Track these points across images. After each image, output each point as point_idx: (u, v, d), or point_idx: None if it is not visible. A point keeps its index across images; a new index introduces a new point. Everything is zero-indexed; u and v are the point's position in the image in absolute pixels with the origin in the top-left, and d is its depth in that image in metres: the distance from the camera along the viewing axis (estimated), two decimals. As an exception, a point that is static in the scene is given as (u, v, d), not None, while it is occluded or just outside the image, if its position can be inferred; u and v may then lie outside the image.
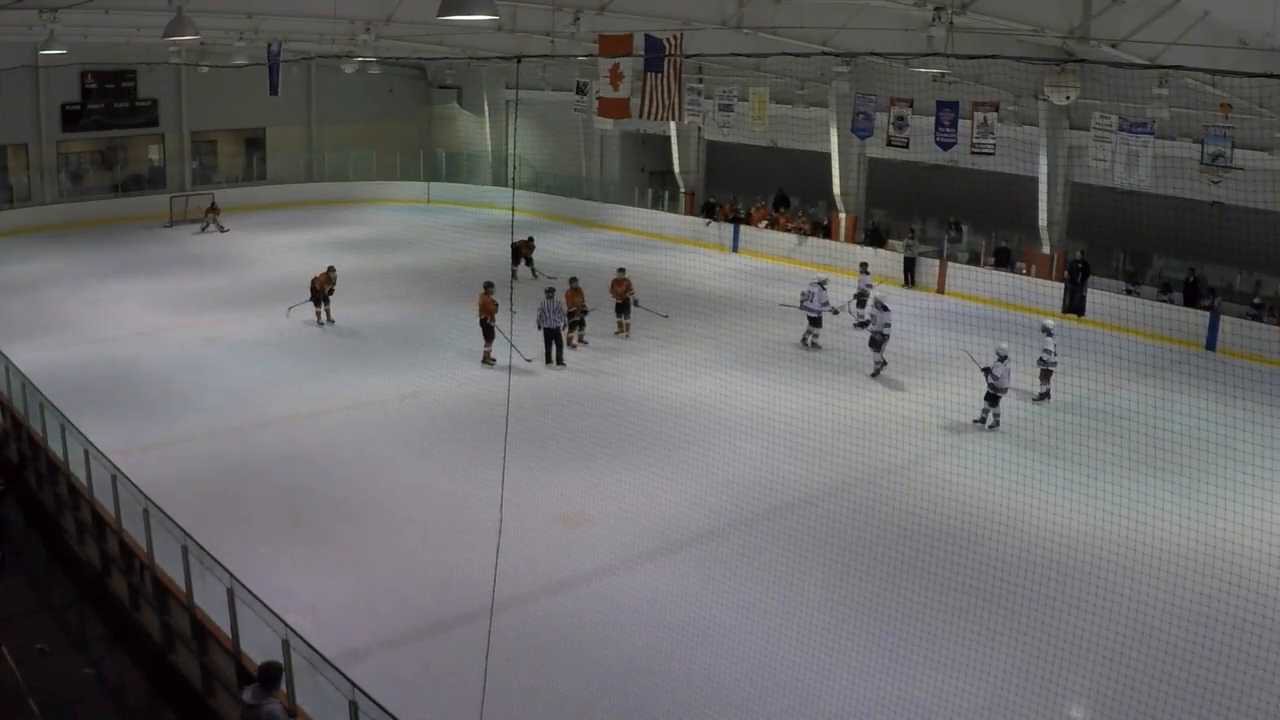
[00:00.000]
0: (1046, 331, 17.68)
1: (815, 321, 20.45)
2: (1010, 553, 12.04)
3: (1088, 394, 17.38)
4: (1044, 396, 17.68)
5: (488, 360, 18.91)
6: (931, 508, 13.52)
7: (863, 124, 25.09)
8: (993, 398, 16.28)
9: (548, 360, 19.03)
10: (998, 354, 16.26)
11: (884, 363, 19.07)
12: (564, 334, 19.51)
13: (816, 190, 29.98)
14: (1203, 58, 15.03)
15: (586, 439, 15.67)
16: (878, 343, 19.05)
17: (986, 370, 16.25)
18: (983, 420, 16.42)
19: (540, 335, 18.96)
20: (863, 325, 20.93)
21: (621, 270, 21.20)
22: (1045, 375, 17.65)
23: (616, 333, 20.81)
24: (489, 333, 18.85)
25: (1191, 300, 22.29)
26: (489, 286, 18.79)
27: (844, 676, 9.62)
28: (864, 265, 23.44)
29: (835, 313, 20.77)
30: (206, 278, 26.17)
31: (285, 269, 26.16)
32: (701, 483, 13.83)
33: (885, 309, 19.06)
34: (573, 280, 20.63)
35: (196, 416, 16.45)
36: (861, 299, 22.07)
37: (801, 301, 20.62)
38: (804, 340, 20.44)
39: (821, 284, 20.67)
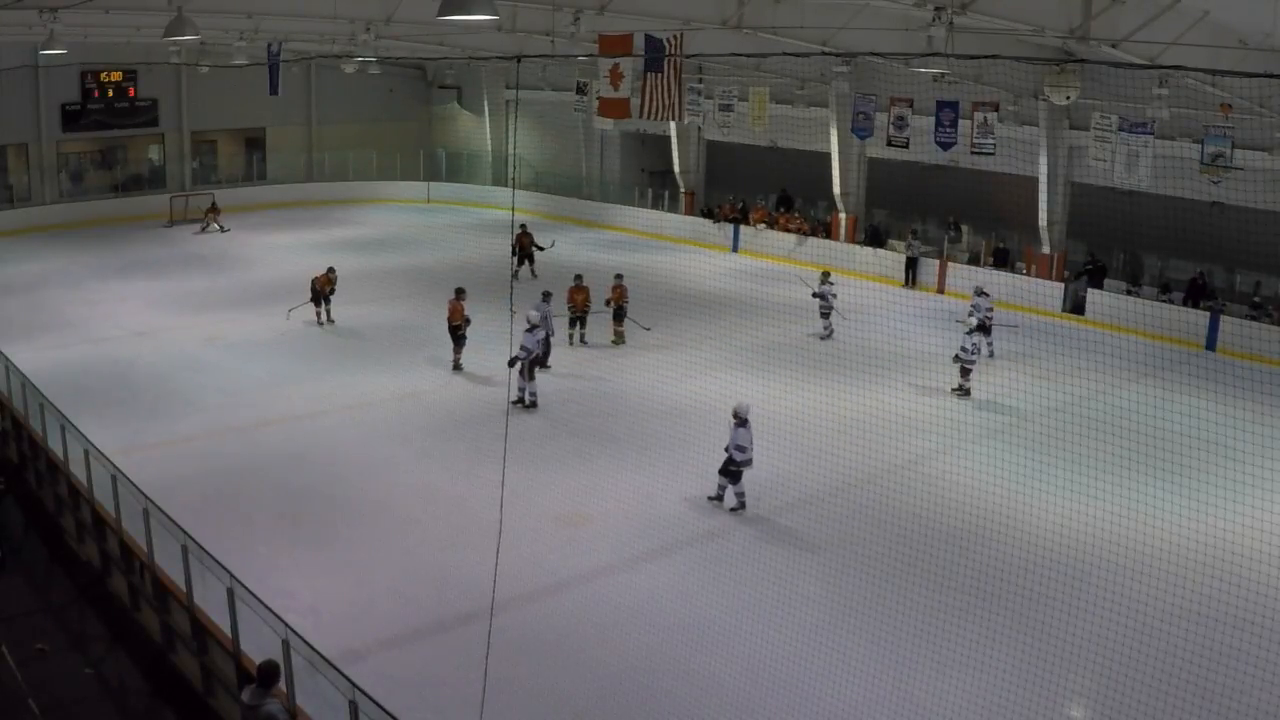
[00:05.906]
0: (969, 329, 17.97)
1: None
2: (1010, 553, 12.03)
3: (1088, 394, 17.38)
4: (962, 391, 17.86)
5: (458, 367, 18.67)
6: (931, 508, 13.53)
7: (863, 124, 25.08)
8: (732, 474, 13.13)
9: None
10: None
11: (530, 401, 16.62)
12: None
13: (817, 190, 29.96)
14: (1203, 58, 15.02)
15: (586, 439, 15.68)
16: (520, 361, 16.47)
17: (727, 449, 13.14)
18: (718, 497, 13.43)
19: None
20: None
21: (619, 276, 20.73)
22: (964, 372, 17.92)
23: (614, 341, 20.41)
24: (458, 339, 18.57)
25: (1192, 300, 22.25)
26: (460, 292, 18.57)
27: (844, 676, 9.62)
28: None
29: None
30: (206, 278, 26.17)
31: (285, 269, 26.16)
32: (702, 483, 13.81)
33: (532, 329, 16.75)
34: (577, 277, 20.52)
35: (196, 416, 16.45)
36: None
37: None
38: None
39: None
